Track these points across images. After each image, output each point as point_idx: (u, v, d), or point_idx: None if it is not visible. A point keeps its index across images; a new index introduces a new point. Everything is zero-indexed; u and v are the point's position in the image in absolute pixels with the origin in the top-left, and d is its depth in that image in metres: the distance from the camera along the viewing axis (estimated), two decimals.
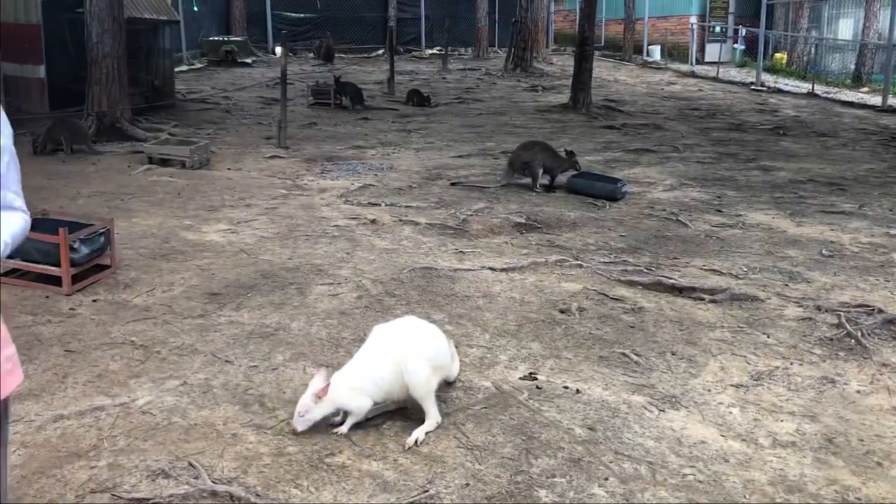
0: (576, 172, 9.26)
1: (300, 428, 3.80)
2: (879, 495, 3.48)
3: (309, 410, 3.79)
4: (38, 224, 5.08)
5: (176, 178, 9.37)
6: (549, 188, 9.26)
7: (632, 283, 6.10)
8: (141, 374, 4.37)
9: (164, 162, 9.98)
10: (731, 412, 4.18)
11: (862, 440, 3.92)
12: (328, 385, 3.79)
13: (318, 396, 3.77)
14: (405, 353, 3.88)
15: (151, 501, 3.23)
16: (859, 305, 5.59)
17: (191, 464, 3.51)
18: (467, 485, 3.47)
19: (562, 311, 5.52)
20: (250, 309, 5.38)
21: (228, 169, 10.09)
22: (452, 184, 9.45)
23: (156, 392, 4.17)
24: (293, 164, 10.48)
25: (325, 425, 3.89)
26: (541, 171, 9.16)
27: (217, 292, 5.66)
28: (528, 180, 9.24)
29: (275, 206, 8.23)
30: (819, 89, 21.51)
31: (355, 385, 3.84)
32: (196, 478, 3.40)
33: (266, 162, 10.60)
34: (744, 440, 3.90)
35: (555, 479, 3.53)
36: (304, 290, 5.76)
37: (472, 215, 7.96)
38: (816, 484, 3.56)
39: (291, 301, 5.55)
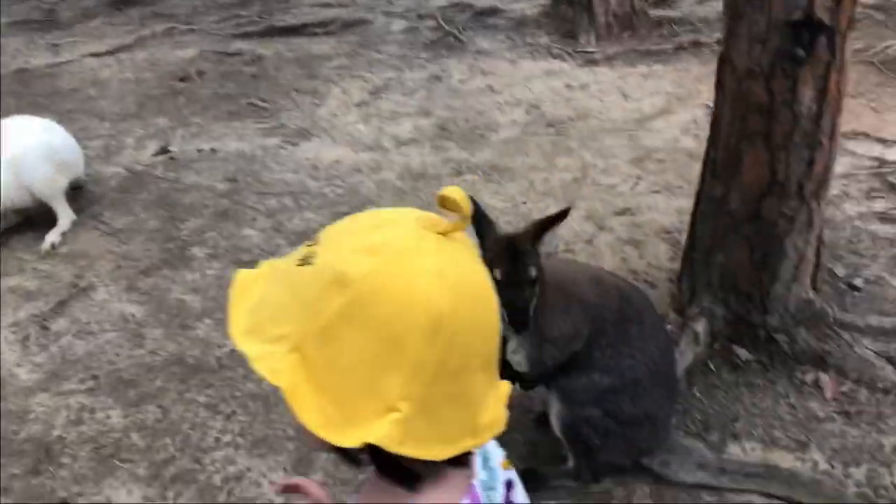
0: None
1: None
2: (486, 160, 4.04)
3: None
4: None
5: None
6: None
7: (247, 35, 5.97)
8: None
9: None
10: (357, 129, 4.45)
11: (467, 120, 4.43)
12: None
13: None
14: (19, 152, 3.50)
15: None
16: (454, 5, 6.03)
17: None
18: (119, 267, 3.41)
19: (181, 80, 5.29)
20: None
21: None
22: None
23: None
24: None
25: None
26: None
27: None
28: None
29: None
30: None
31: None
32: None
33: None
34: (371, 149, 4.22)
35: (206, 235, 3.59)
36: None
37: (57, 4, 7.02)
38: (436, 167, 4.01)
39: None
